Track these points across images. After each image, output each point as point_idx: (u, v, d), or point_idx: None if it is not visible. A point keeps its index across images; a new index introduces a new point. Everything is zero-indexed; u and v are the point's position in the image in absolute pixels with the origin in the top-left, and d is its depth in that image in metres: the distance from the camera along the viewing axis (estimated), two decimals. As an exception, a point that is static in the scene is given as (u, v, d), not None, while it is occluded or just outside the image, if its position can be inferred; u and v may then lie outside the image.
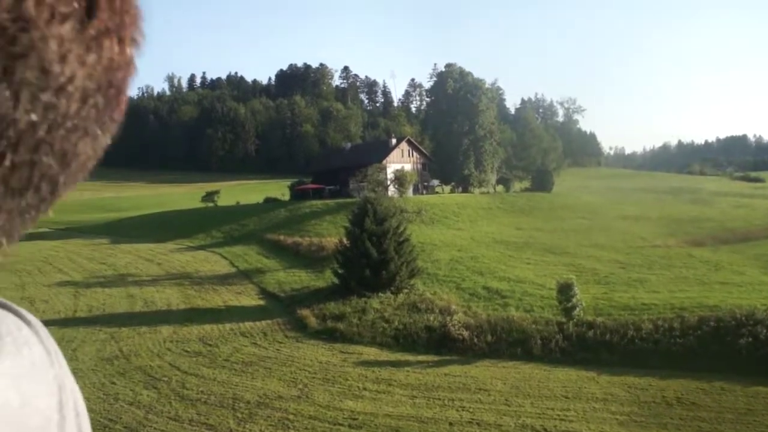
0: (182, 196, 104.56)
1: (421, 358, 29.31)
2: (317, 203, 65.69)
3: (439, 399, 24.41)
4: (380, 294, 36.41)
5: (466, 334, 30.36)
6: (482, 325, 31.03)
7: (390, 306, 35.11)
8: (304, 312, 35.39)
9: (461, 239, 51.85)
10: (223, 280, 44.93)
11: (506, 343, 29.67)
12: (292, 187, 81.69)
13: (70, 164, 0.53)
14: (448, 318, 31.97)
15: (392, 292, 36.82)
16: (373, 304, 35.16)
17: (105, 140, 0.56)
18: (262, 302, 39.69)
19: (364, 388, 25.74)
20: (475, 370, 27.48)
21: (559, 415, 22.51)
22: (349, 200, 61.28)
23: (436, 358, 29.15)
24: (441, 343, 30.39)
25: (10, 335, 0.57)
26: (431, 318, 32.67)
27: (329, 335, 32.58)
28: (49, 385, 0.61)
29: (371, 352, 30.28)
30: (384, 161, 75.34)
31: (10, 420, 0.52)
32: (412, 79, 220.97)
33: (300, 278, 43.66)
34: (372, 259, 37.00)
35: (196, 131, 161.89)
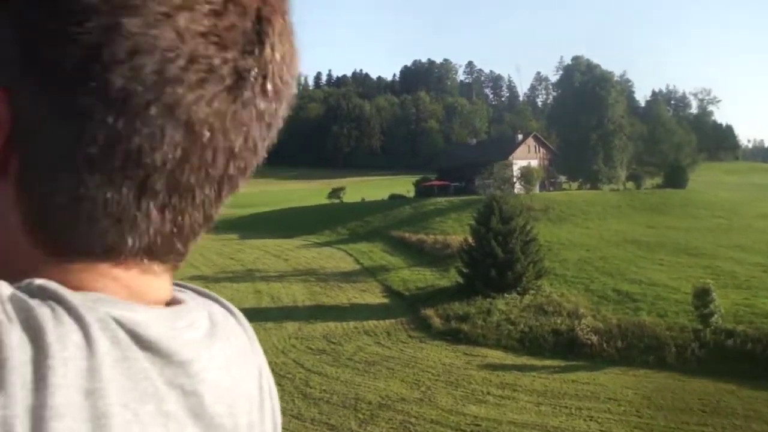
0: (309, 192, 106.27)
1: (547, 362, 28.50)
2: (442, 200, 65.19)
3: (566, 407, 23.62)
4: (506, 295, 35.68)
5: (595, 339, 29.28)
6: (612, 330, 29.83)
7: (516, 307, 34.37)
8: (428, 312, 35.14)
9: (590, 238, 50.09)
10: (348, 277, 45.29)
11: (638, 349, 28.36)
12: (417, 184, 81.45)
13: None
14: (576, 321, 30.94)
15: (518, 293, 36.04)
16: (499, 306, 34.50)
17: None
18: (386, 300, 39.73)
19: (488, 393, 25.25)
20: (604, 377, 26.43)
21: (695, 430, 21.24)
22: (474, 197, 60.49)
23: (562, 363, 28.26)
24: (568, 348, 29.44)
25: (221, 324, 0.65)
26: (558, 321, 31.73)
27: (453, 336, 32.20)
28: (251, 370, 0.69)
29: (496, 355, 29.71)
30: (510, 157, 74.18)
31: (220, 399, 0.60)
32: (538, 73, 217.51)
33: (424, 276, 43.40)
34: (498, 259, 36.31)
35: (322, 128, 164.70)
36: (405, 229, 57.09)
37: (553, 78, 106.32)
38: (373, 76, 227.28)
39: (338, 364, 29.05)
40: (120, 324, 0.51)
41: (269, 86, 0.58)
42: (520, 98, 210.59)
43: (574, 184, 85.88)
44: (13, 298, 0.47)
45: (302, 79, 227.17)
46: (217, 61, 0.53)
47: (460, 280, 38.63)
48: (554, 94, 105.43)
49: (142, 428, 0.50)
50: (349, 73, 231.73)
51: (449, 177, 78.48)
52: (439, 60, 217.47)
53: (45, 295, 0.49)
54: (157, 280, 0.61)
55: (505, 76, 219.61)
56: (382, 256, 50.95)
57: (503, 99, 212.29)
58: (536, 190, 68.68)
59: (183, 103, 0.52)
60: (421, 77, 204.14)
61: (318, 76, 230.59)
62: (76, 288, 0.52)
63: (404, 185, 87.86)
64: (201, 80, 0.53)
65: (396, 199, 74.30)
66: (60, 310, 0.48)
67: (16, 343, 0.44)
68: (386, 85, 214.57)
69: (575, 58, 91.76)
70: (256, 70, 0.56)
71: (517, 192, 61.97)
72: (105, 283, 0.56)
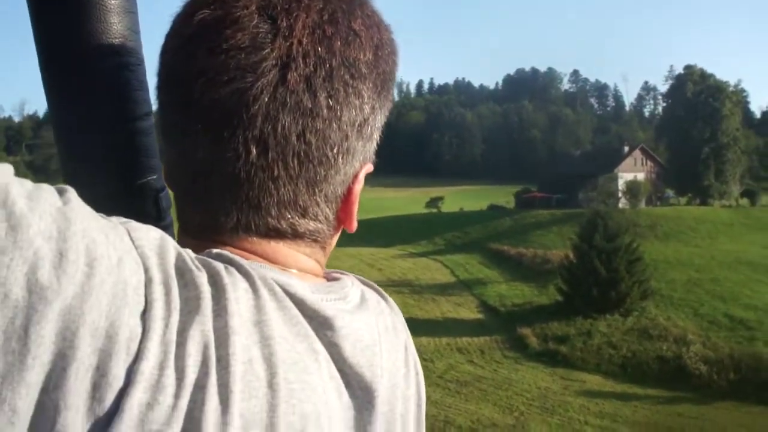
0: (407, 200, 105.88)
1: (650, 392, 26.78)
2: (543, 213, 63.22)
3: (671, 443, 21.96)
4: (608, 316, 33.99)
5: (704, 369, 27.38)
6: (723, 360, 27.81)
7: (618, 330, 32.64)
8: (525, 330, 33.83)
9: (699, 258, 47.26)
10: (443, 289, 44.21)
11: (753, 384, 26.21)
12: (517, 195, 79.74)
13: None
14: (683, 348, 29.07)
15: (621, 315, 34.26)
16: (600, 327, 32.86)
17: None
18: (480, 316, 38.57)
19: (586, 422, 23.84)
20: (714, 412, 24.53)
21: (817, 479, 19.30)
22: (577, 211, 58.32)
23: (667, 393, 26.49)
24: (674, 377, 27.64)
25: (371, 302, 0.77)
26: (664, 347, 29.91)
27: (550, 358, 30.84)
28: (398, 345, 0.79)
29: (595, 381, 28.18)
30: (615, 170, 71.44)
31: (360, 353, 0.71)
32: (646, 82, 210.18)
33: (522, 292, 41.97)
34: (600, 278, 34.64)
35: (422, 136, 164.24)
36: (504, 242, 55.61)
37: (662, 88, 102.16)
38: (476, 84, 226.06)
39: (429, 382, 27.62)
40: (276, 282, 0.65)
41: (290, 77, 0.66)
42: (627, 108, 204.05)
43: (683, 200, 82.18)
44: (197, 258, 0.61)
45: (404, 86, 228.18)
46: (220, 62, 0.66)
47: (560, 297, 37.14)
48: (663, 104, 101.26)
49: (299, 357, 0.62)
50: (451, 81, 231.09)
51: (551, 188, 76.30)
52: (543, 69, 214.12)
53: (219, 257, 0.63)
54: (302, 257, 0.74)
55: (611, 86, 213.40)
56: (479, 269, 49.73)
57: (609, 109, 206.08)
58: (642, 204, 65.82)
59: (201, 101, 0.67)
60: (525, 86, 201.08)
61: (420, 84, 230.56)
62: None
63: (504, 196, 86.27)
64: (209, 82, 0.66)
65: (495, 210, 72.88)
66: (231, 267, 0.62)
67: (205, 283, 0.58)
68: (488, 93, 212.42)
69: (687, 67, 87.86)
70: (267, 64, 0.66)
71: (622, 207, 59.43)
72: (246, 255, 0.69)
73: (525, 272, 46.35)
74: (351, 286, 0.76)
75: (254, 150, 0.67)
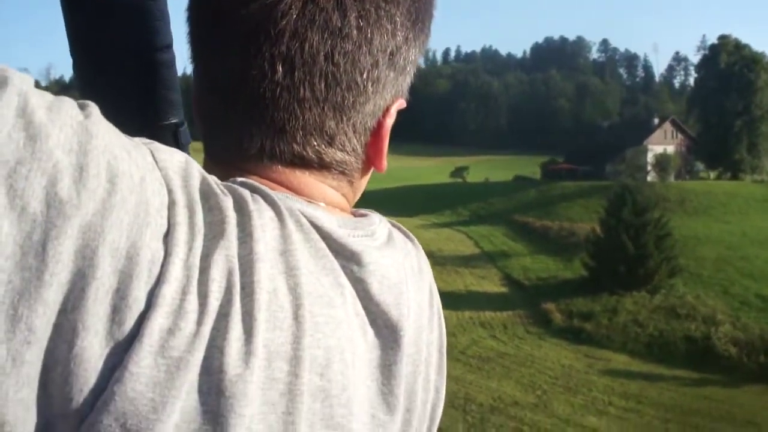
0: (431, 169, 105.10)
1: (677, 372, 26.13)
2: (570, 184, 62.19)
3: (696, 427, 21.48)
4: (634, 293, 33.24)
5: (733, 350, 26.67)
6: (754, 342, 27.05)
7: (645, 308, 31.92)
8: (549, 306, 33.23)
9: (730, 235, 46.12)
10: (467, 261, 43.63)
11: (785, 366, 25.47)
12: (543, 166, 78.77)
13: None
14: (712, 329, 28.35)
15: (648, 292, 33.47)
16: (626, 305, 32.17)
17: None
18: (504, 289, 38.03)
19: (610, 403, 23.33)
20: (744, 396, 23.88)
21: None
22: (604, 183, 57.23)
23: (695, 375, 25.84)
24: (702, 358, 26.92)
25: (398, 241, 0.76)
26: (692, 327, 29.19)
27: (574, 335, 30.25)
28: (423, 286, 0.79)
29: (620, 360, 27.59)
30: (644, 142, 70.05)
31: (387, 290, 0.70)
32: (677, 53, 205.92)
33: (547, 266, 41.30)
34: (628, 254, 33.90)
35: (448, 105, 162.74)
36: (529, 214, 54.78)
37: (694, 58, 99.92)
38: (503, 52, 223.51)
39: (450, 357, 26.33)
40: (303, 214, 0.64)
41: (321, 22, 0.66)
42: (656, 79, 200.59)
43: (713, 174, 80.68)
44: (223, 184, 0.60)
45: (430, 54, 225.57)
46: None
47: (585, 273, 36.47)
48: (695, 75, 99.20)
49: (324, 291, 0.61)
50: (478, 49, 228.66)
51: (578, 160, 75.18)
52: (571, 37, 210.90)
53: (244, 185, 0.62)
54: (330, 190, 0.73)
55: (641, 56, 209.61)
56: (503, 241, 49.05)
57: (638, 79, 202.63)
58: (671, 178, 64.54)
59: (228, 12, 0.67)
60: (553, 55, 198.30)
61: (446, 52, 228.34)
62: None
63: (530, 167, 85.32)
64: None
65: (521, 181, 71.98)
66: (257, 195, 0.61)
67: (230, 208, 0.56)
68: (516, 62, 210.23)
69: (722, 37, 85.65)
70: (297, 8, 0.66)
71: (650, 180, 58.28)
72: (273, 183, 0.69)
73: (550, 245, 45.57)
74: (378, 223, 0.75)
75: (280, 68, 0.66)
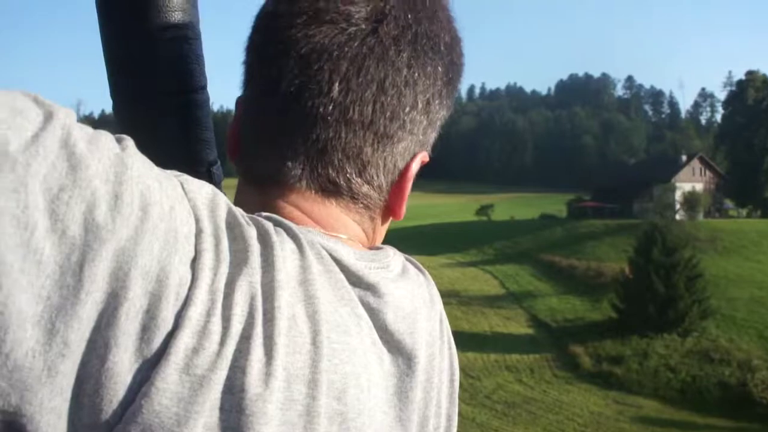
0: (456, 207, 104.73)
1: (711, 421, 25.17)
2: (596, 223, 61.07)
3: (734, 479, 20.43)
4: (665, 336, 32.26)
5: (771, 398, 25.62)
6: (793, 389, 26.01)
7: (676, 352, 30.93)
8: (577, 349, 32.38)
9: (763, 275, 44.70)
10: (492, 302, 42.79)
11: (827, 416, 24.42)
12: (569, 204, 77.93)
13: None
14: (748, 375, 27.34)
15: (679, 335, 32.46)
16: (657, 348, 31.21)
17: None
18: (531, 331, 37.16)
19: (642, 453, 22.38)
20: (783, 446, 22.88)
21: None
22: (632, 221, 56.32)
23: (730, 423, 24.88)
24: (738, 405, 25.91)
25: (411, 273, 0.80)
26: (726, 372, 28.18)
27: (603, 380, 29.34)
28: (433, 316, 0.82)
29: (651, 407, 26.65)
30: (672, 180, 69.08)
31: (402, 320, 0.74)
32: (703, 89, 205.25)
33: (574, 306, 40.40)
34: (658, 295, 32.99)
35: (473, 142, 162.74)
36: (555, 253, 53.82)
37: (720, 94, 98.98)
38: (528, 89, 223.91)
39: (475, 402, 26.96)
40: (323, 247, 0.68)
41: (383, 30, 0.73)
42: (683, 116, 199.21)
43: (743, 211, 79.33)
44: (247, 215, 0.65)
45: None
46: (321, 4, 0.73)
47: (614, 314, 35.51)
48: (722, 112, 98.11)
49: (341, 320, 0.65)
50: (503, 87, 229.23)
51: (605, 198, 74.35)
52: (596, 74, 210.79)
53: (269, 219, 0.67)
54: (342, 217, 0.77)
55: (667, 92, 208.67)
56: (529, 281, 48.20)
57: (664, 116, 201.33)
58: (700, 217, 63.38)
59: (298, 40, 0.72)
60: (578, 91, 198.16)
61: (471, 89, 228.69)
62: (288, 218, 0.71)
63: (556, 204, 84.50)
64: (307, 22, 0.72)
65: (547, 219, 71.15)
66: (279, 228, 0.65)
67: (254, 238, 0.61)
68: (541, 99, 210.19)
69: (749, 73, 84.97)
70: (364, 14, 0.73)
71: (679, 219, 57.20)
72: (294, 213, 0.75)
73: (577, 285, 44.65)
74: (393, 256, 0.79)
75: (336, 86, 0.72)
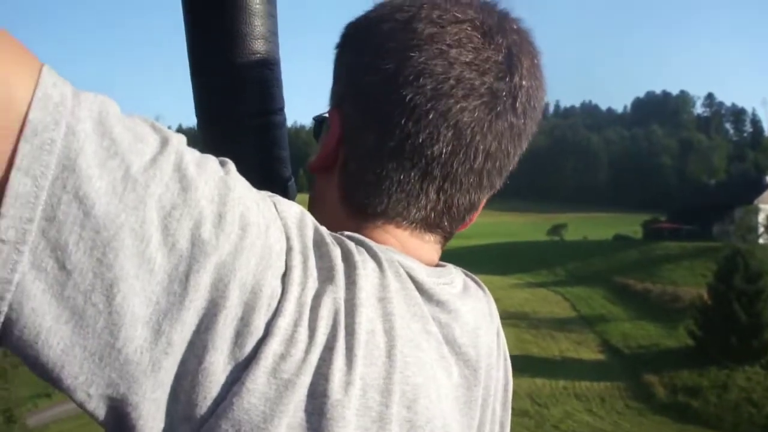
0: (527, 226, 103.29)
1: (798, 460, 23.43)
2: (673, 245, 58.78)
3: None
4: (747, 368, 30.36)
5: None
6: None
7: (760, 385, 29.04)
8: (651, 378, 30.77)
9: None
10: (562, 325, 41.45)
11: None
12: (645, 225, 75.76)
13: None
14: (840, 412, 25.43)
15: (763, 368, 30.46)
16: (738, 381, 29.39)
17: None
18: (602, 357, 35.70)
19: (722, 495, 20.91)
20: None
21: None
22: (711, 244, 54.02)
23: (819, 463, 23.09)
24: (830, 445, 24.11)
25: (472, 289, 0.86)
26: (816, 408, 26.29)
27: (679, 413, 27.67)
28: (492, 329, 0.87)
29: (731, 444, 25.01)
30: (755, 201, 66.26)
31: (467, 334, 0.80)
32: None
33: (648, 332, 38.72)
34: (740, 324, 31.15)
35: (546, 161, 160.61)
36: (629, 275, 52.06)
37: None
38: (603, 107, 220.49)
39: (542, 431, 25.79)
40: (401, 265, 0.73)
41: (518, 105, 0.79)
42: (766, 134, 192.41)
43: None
44: (332, 235, 0.71)
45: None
46: (476, 83, 0.76)
47: (691, 342, 33.75)
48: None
49: (413, 335, 0.70)
50: (577, 104, 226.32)
51: (682, 219, 71.93)
52: (674, 92, 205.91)
53: (353, 238, 0.73)
54: (426, 246, 0.83)
55: (749, 110, 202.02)
56: (602, 304, 46.66)
57: (745, 135, 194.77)
58: (786, 241, 60.53)
59: (453, 111, 0.76)
60: (655, 110, 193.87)
61: (545, 107, 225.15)
62: (373, 240, 0.76)
63: (631, 225, 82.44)
64: (465, 96, 0.76)
65: (621, 240, 69.26)
66: (361, 248, 0.71)
67: (339, 257, 0.67)
68: (616, 117, 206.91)
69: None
70: (506, 91, 0.78)
71: (763, 243, 54.64)
72: (387, 238, 0.80)
73: (652, 310, 42.90)
74: (455, 272, 0.85)
75: (480, 157, 0.79)
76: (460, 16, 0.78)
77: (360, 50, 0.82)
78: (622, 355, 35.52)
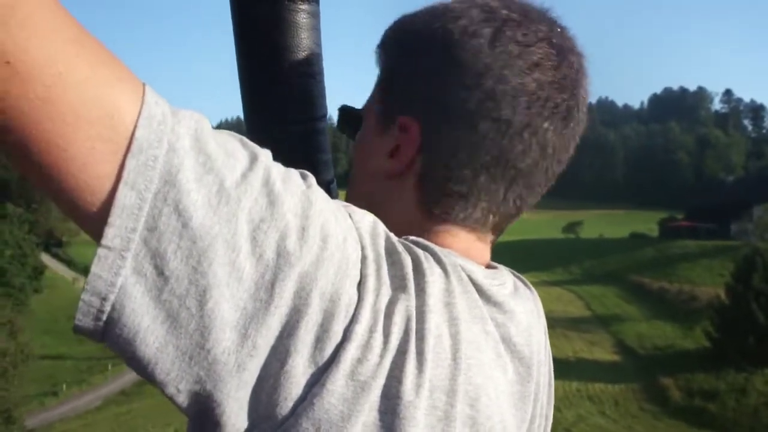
0: (543, 223, 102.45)
1: (818, 467, 22.78)
2: (690, 243, 58.28)
3: None
4: (766, 371, 29.76)
5: None
6: None
7: (779, 389, 28.45)
8: (666, 380, 30.30)
9: None
10: (576, 324, 41.02)
11: None
12: (662, 223, 74.98)
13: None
14: None
15: (782, 371, 29.91)
16: (757, 384, 28.86)
17: None
18: (617, 358, 35.23)
19: (739, 503, 20.32)
20: None
21: None
22: (729, 243, 53.44)
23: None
24: None
25: (521, 289, 0.87)
26: (837, 413, 25.62)
27: (695, 416, 27.20)
28: (540, 327, 0.89)
29: (750, 450, 24.38)
30: (774, 200, 65.33)
31: (521, 333, 0.81)
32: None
33: (664, 333, 38.20)
34: (758, 325, 30.61)
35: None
36: (645, 274, 51.72)
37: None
38: (619, 103, 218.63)
39: None
40: (462, 269, 0.76)
41: (581, 116, 0.85)
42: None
43: None
44: (401, 242, 0.73)
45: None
46: (558, 101, 0.80)
47: (708, 343, 33.25)
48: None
49: (474, 337, 0.73)
50: (593, 101, 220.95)
51: (699, 217, 71.11)
52: (692, 88, 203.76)
53: (418, 244, 0.75)
54: (486, 247, 0.86)
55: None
56: (617, 303, 46.22)
57: (765, 131, 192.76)
58: (805, 239, 59.54)
59: (542, 129, 0.80)
60: (672, 106, 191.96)
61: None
62: (441, 244, 0.80)
63: (647, 223, 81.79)
64: (551, 114, 0.80)
65: (637, 238, 68.70)
66: (428, 253, 0.73)
67: (409, 266, 0.69)
68: (633, 113, 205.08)
69: None
70: (576, 107, 0.83)
71: (783, 241, 53.78)
72: (455, 242, 0.82)
73: (668, 310, 42.45)
74: (506, 274, 0.87)
75: (552, 167, 0.84)
76: (540, 34, 0.81)
77: (441, 63, 0.83)
78: (636, 356, 35.05)
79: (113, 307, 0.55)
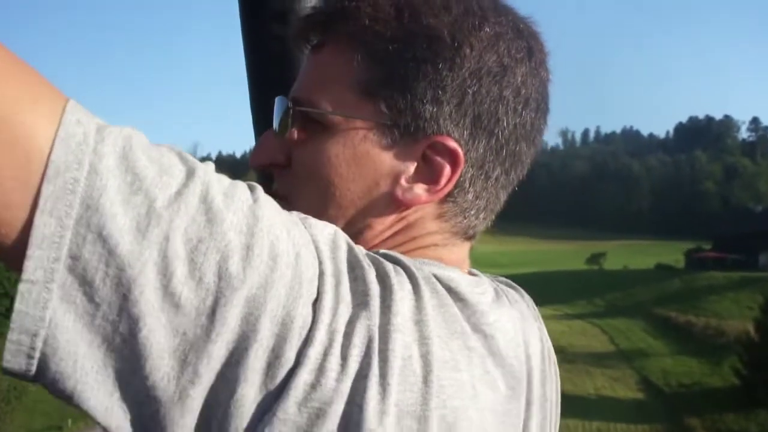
0: (565, 254, 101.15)
1: None
2: (718, 275, 56.58)
3: None
4: (802, 413, 28.35)
5: None
6: None
7: (813, 431, 27.02)
8: (693, 421, 29.05)
9: None
10: (599, 360, 39.66)
11: None
12: (688, 254, 73.51)
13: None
14: None
15: (818, 412, 28.50)
16: (791, 427, 27.39)
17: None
18: (641, 395, 33.85)
19: None
20: None
21: None
22: (758, 275, 51.89)
23: None
24: None
25: (503, 294, 0.84)
26: None
27: (724, 460, 25.76)
28: (534, 332, 0.86)
29: (783, 498, 22.94)
30: (805, 230, 63.85)
31: (509, 343, 0.78)
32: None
33: (690, 369, 36.73)
34: (790, 363, 29.21)
35: (586, 187, 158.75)
36: (671, 307, 50.02)
37: None
38: (644, 133, 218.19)
39: None
40: (438, 279, 0.72)
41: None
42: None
43: None
44: (368, 255, 0.69)
45: (569, 135, 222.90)
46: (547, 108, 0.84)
47: (737, 381, 31.81)
48: None
49: (451, 356, 0.68)
50: (618, 130, 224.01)
51: (727, 248, 69.68)
52: (718, 116, 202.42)
53: (388, 257, 0.72)
54: (466, 252, 0.86)
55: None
56: (641, 338, 44.73)
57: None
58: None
59: (535, 129, 0.82)
60: (698, 135, 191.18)
61: (585, 132, 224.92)
62: (445, 256, 0.80)
63: (673, 254, 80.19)
64: (538, 117, 0.82)
65: (663, 270, 67.00)
66: (398, 267, 0.70)
67: (374, 281, 0.65)
68: (658, 142, 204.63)
69: None
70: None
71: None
72: (457, 252, 0.82)
73: (695, 345, 40.89)
74: (485, 280, 0.84)
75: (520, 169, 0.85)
76: (542, 47, 0.83)
77: (473, 75, 0.78)
78: (662, 394, 33.73)
79: (45, 343, 0.52)
